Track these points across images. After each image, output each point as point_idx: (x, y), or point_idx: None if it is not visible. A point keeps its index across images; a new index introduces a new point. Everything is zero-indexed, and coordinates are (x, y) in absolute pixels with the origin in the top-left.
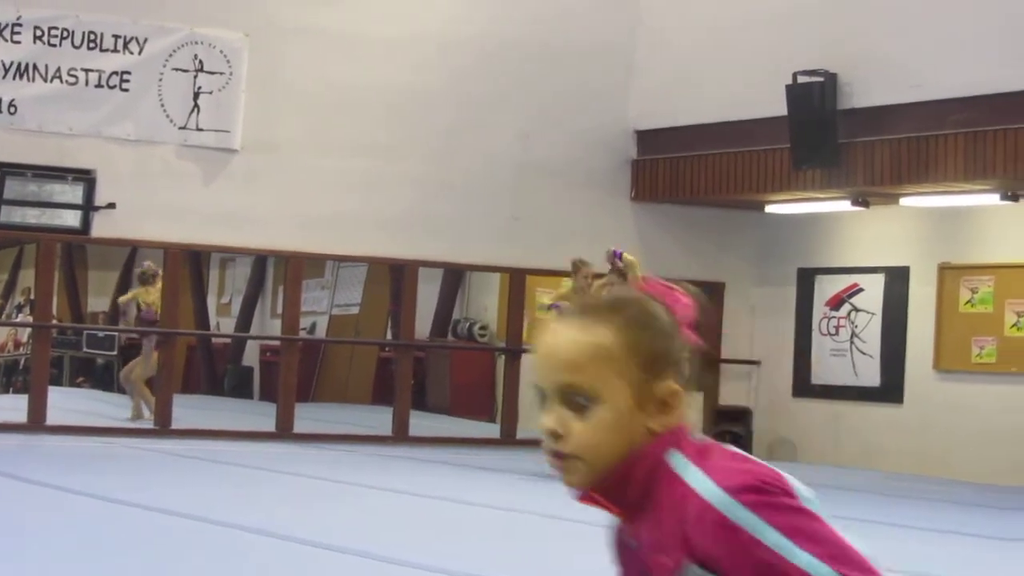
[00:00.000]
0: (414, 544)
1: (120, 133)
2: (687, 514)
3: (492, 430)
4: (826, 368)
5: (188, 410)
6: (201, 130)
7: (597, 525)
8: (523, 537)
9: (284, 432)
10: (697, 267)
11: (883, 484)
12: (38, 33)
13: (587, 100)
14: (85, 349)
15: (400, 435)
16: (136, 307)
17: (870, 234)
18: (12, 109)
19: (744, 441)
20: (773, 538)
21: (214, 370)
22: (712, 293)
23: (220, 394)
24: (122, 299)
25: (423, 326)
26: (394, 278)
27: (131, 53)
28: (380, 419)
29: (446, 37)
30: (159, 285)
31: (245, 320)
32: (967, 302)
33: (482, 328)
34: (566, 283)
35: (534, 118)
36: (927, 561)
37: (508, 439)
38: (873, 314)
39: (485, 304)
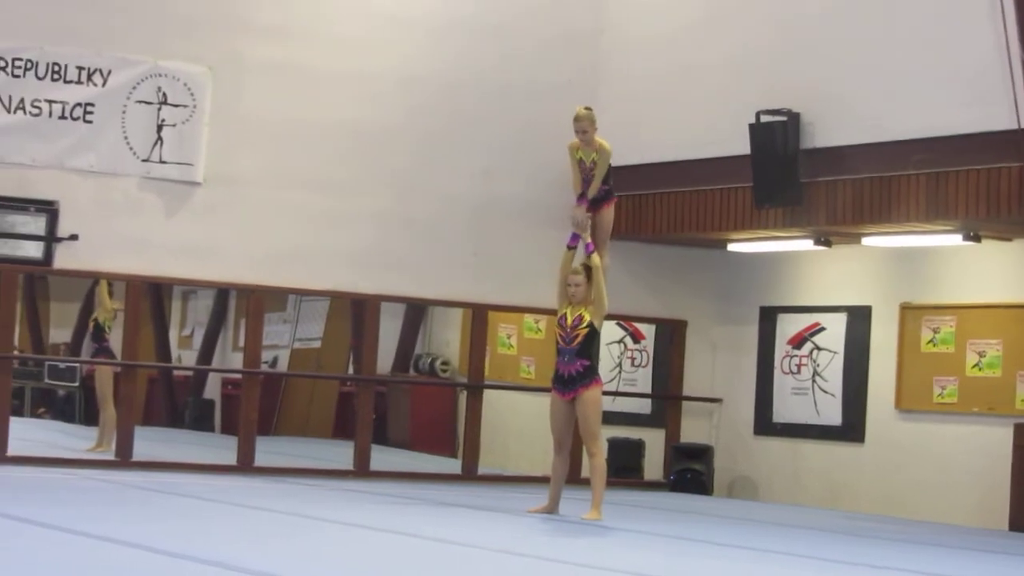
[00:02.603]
0: None
1: (83, 165)
2: None
3: (453, 465)
4: (787, 407)
5: (149, 442)
6: (164, 162)
7: (557, 561)
8: (482, 573)
9: (245, 465)
10: (659, 305)
11: (844, 524)
12: (1, 64)
13: (548, 137)
14: (46, 380)
15: (361, 469)
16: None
17: (832, 273)
18: None
19: (705, 479)
20: None
21: (175, 403)
22: (674, 331)
23: (181, 427)
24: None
25: (385, 361)
26: (356, 312)
27: (95, 85)
28: (341, 453)
29: (408, 73)
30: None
31: (206, 353)
32: (929, 342)
33: (444, 363)
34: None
35: (495, 154)
36: None
37: (469, 475)
38: (835, 353)
39: (447, 339)
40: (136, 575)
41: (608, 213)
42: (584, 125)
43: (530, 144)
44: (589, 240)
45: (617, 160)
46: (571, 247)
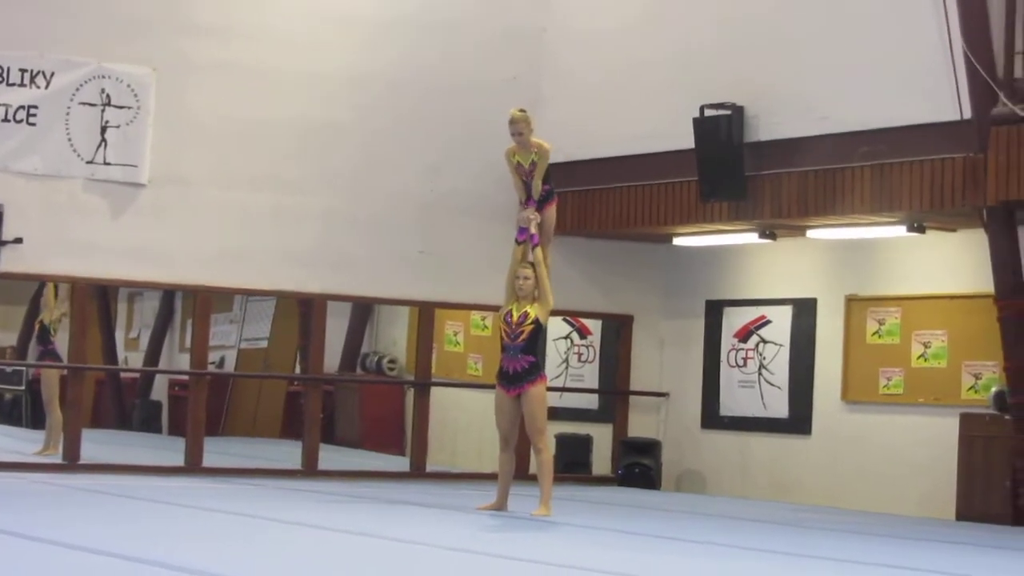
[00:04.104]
0: None
1: (27, 167)
2: None
3: (402, 463)
4: (735, 400)
5: (96, 445)
6: (108, 164)
7: (507, 558)
8: (433, 571)
9: (193, 466)
10: (605, 300)
11: (791, 516)
12: None
13: (493, 134)
14: None
15: (310, 469)
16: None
17: (778, 266)
18: None
19: (653, 473)
20: None
21: (122, 405)
22: (620, 326)
23: (129, 428)
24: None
25: (332, 360)
26: (303, 312)
27: (38, 87)
28: (289, 453)
29: (353, 71)
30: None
31: (153, 354)
32: (874, 333)
33: (391, 361)
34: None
35: (441, 152)
36: None
37: (418, 472)
38: (781, 346)
39: (394, 337)
40: None
41: (551, 212)
42: (519, 127)
43: (476, 141)
44: (535, 232)
45: (562, 156)
46: (519, 241)
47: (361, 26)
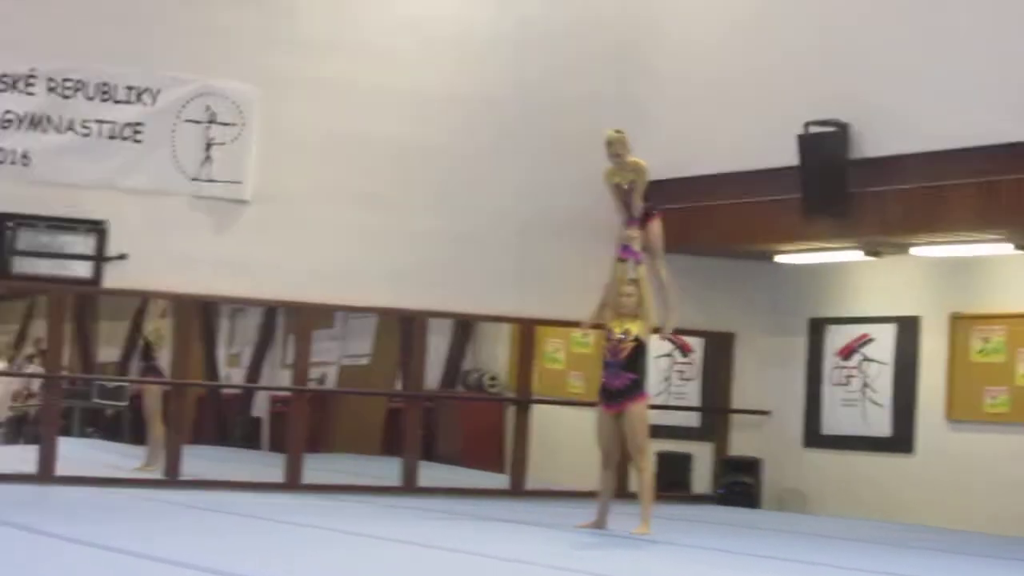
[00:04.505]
0: None
1: (132, 184)
2: None
3: (502, 481)
4: (837, 418)
5: (197, 460)
6: (212, 181)
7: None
8: None
9: (292, 483)
10: (707, 318)
11: (893, 535)
12: (51, 84)
13: (593, 150)
14: (95, 399)
15: (409, 485)
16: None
17: (881, 284)
18: (25, 160)
19: (754, 492)
20: None
21: (223, 421)
22: (722, 343)
23: (229, 444)
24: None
25: (433, 376)
26: (404, 329)
27: (144, 104)
28: (390, 469)
29: (453, 89)
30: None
31: (254, 371)
32: (979, 351)
33: (492, 378)
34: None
35: (541, 168)
36: None
37: (517, 490)
38: (884, 364)
39: (495, 354)
40: None
41: (656, 226)
42: (616, 148)
43: (575, 157)
44: (638, 249)
45: (664, 173)
46: (622, 259)
47: (461, 44)
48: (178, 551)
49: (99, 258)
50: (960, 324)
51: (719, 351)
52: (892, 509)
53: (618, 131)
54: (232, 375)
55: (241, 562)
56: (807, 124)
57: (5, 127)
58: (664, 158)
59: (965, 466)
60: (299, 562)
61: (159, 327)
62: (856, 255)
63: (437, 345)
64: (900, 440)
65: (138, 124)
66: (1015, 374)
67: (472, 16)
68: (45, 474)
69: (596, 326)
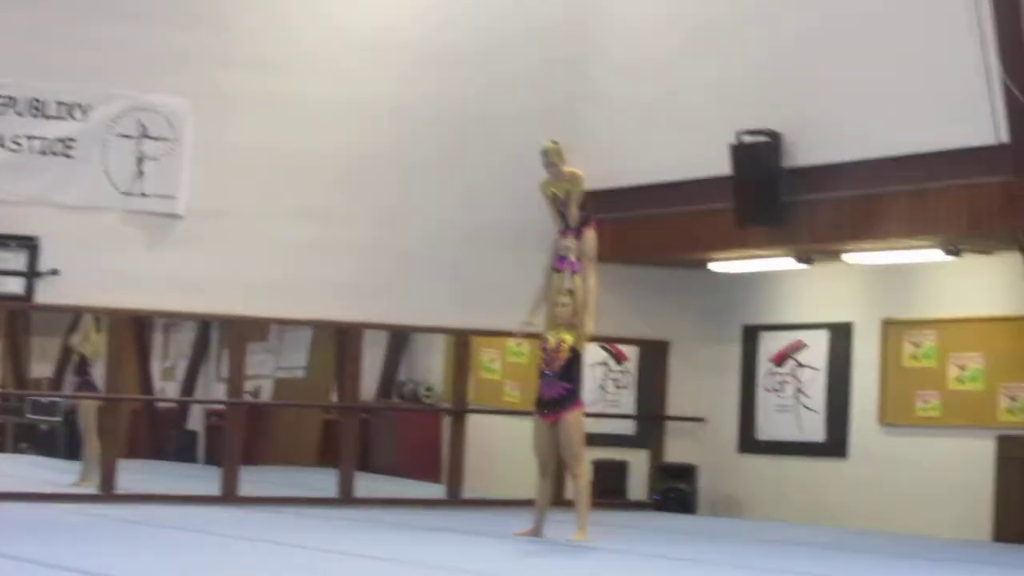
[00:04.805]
0: None
1: (64, 199)
2: None
3: (439, 491)
4: (771, 424)
5: (133, 475)
6: (145, 196)
7: None
8: None
9: (229, 495)
10: (642, 326)
11: (829, 539)
12: None
13: (534, 163)
14: (28, 415)
15: (346, 497)
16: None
17: (814, 291)
18: None
19: (690, 498)
20: None
21: (158, 435)
22: (657, 351)
23: (164, 459)
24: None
25: (368, 388)
26: (339, 341)
27: (75, 119)
28: (327, 481)
29: (392, 102)
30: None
31: (189, 384)
32: (911, 356)
33: (427, 389)
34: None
35: (481, 181)
36: None
37: (454, 499)
38: (817, 370)
39: (430, 365)
40: None
41: (589, 234)
42: (552, 158)
43: (515, 170)
44: (574, 260)
45: (601, 183)
46: (557, 269)
47: (400, 56)
48: (129, 568)
49: (31, 274)
50: (892, 330)
51: (654, 359)
52: (826, 513)
53: (554, 142)
54: (167, 389)
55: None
56: (739, 134)
57: None
58: (600, 168)
59: (898, 470)
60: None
61: (94, 341)
62: (789, 263)
63: (373, 357)
64: (833, 445)
65: (69, 139)
66: (947, 378)
67: (413, 30)
68: None
69: (528, 335)
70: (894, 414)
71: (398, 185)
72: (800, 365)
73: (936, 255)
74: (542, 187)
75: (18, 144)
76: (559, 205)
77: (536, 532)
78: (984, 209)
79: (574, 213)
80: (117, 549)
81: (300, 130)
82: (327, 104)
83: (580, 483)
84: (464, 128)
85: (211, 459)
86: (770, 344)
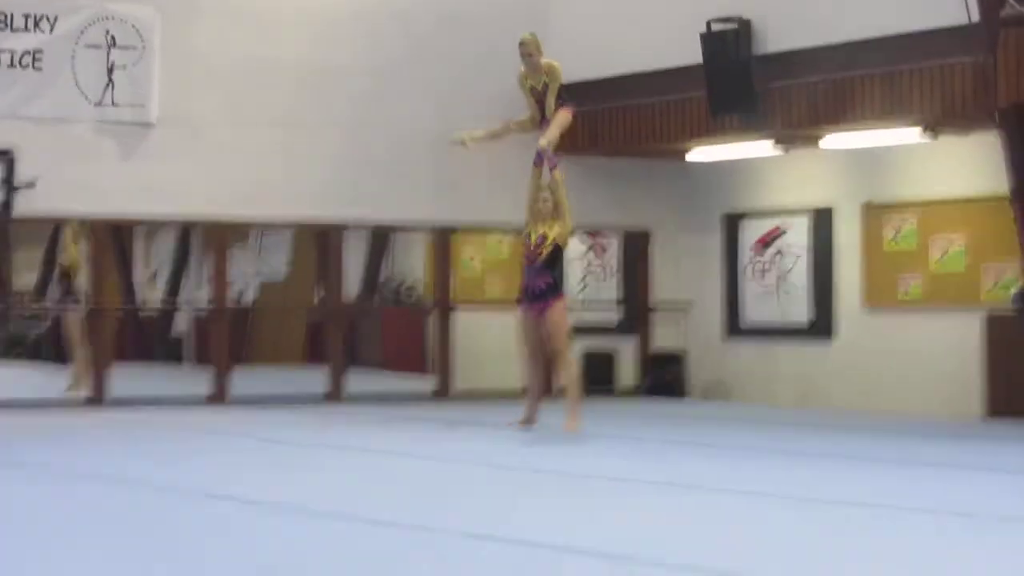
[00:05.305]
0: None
1: (36, 112)
2: None
3: (426, 384)
4: (756, 309)
5: (122, 380)
6: (117, 105)
7: (545, 471)
8: (473, 485)
9: (219, 397)
10: (622, 216)
11: (818, 419)
12: None
13: (503, 61)
14: (12, 329)
15: (336, 394)
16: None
17: (793, 177)
18: None
19: (679, 384)
20: None
21: (144, 339)
22: (638, 241)
23: (151, 361)
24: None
25: (351, 285)
26: (320, 243)
27: (42, 32)
28: (314, 379)
29: (358, 4)
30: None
31: (173, 290)
32: (891, 240)
33: (409, 287)
34: None
35: (452, 80)
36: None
37: (444, 393)
38: (799, 256)
39: (411, 264)
40: (151, 512)
41: (561, 112)
42: (529, 49)
43: (485, 69)
44: (552, 154)
45: (572, 76)
46: (536, 165)
47: None
48: (139, 469)
49: (8, 187)
50: (873, 213)
51: (636, 248)
52: (814, 395)
53: (531, 33)
54: (151, 295)
55: (189, 475)
56: (709, 22)
57: None
58: (571, 62)
59: (883, 351)
60: (260, 474)
61: (73, 252)
62: (766, 148)
63: (355, 260)
64: (819, 328)
65: (37, 51)
66: (928, 261)
67: None
68: None
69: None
70: (878, 297)
71: (368, 88)
72: (781, 252)
73: (913, 137)
74: (520, 80)
75: None
76: (538, 97)
77: (529, 421)
78: (958, 89)
79: (551, 104)
80: (124, 451)
81: (267, 37)
82: (292, 10)
83: (568, 372)
84: (432, 29)
85: (200, 359)
86: (751, 231)
